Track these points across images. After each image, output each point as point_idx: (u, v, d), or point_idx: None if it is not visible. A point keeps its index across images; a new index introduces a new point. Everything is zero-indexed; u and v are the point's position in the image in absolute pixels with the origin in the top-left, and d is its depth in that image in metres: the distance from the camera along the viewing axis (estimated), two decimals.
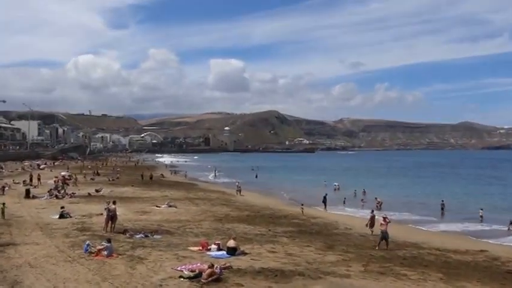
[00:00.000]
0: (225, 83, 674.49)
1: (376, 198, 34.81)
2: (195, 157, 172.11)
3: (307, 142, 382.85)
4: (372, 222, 22.49)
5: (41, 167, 70.97)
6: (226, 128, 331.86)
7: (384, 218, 18.79)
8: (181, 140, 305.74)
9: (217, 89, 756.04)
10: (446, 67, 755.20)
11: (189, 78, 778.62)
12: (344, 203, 36.24)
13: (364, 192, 44.42)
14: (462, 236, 23.84)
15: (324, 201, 34.10)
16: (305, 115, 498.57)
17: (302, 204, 30.09)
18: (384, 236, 18.18)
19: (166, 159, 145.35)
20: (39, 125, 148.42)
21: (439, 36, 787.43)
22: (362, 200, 36.85)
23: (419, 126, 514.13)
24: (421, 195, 44.89)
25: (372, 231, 21.55)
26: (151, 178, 54.03)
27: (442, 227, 26.78)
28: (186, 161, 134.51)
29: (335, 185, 50.69)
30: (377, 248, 18.00)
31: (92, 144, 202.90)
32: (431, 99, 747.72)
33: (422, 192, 47.30)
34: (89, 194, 35.22)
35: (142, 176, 55.41)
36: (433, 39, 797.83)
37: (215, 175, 71.06)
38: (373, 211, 23.80)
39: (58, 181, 42.43)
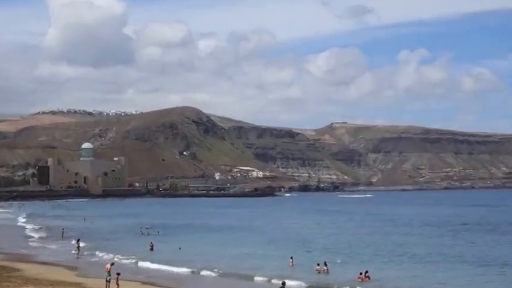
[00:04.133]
0: (83, 46, 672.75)
1: None
2: (17, 207, 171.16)
3: (260, 175, 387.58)
4: None
5: None
6: (86, 146, 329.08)
7: None
8: None
9: (66, 60, 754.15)
10: None
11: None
12: None
13: (367, 275, 45.69)
14: None
15: None
16: (254, 117, 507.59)
17: None
18: None
19: None
20: None
21: None
22: None
23: (488, 141, 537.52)
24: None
25: None
26: None
27: None
28: None
29: (319, 267, 51.33)
30: None
31: None
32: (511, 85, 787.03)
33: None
34: None
35: None
36: None
37: (77, 249, 68.35)
38: None
39: None
